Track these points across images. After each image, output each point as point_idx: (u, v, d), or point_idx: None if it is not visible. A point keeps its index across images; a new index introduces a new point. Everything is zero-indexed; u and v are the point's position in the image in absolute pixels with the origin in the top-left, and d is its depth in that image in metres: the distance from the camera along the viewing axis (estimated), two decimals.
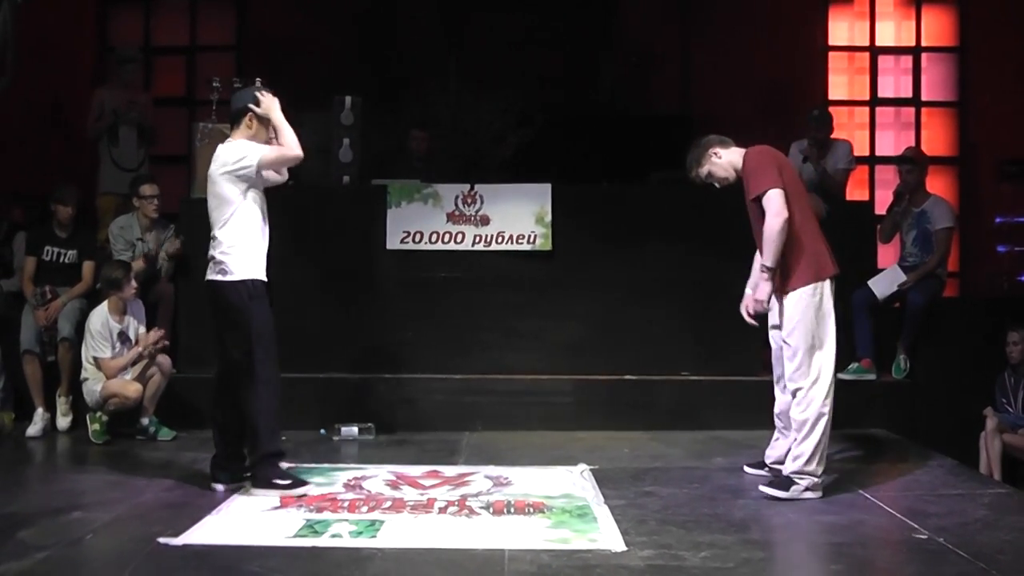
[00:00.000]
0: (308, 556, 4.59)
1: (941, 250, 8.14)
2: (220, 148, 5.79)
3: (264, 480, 5.69)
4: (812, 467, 5.64)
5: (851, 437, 7.31)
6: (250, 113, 5.82)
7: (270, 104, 5.83)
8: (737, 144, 5.99)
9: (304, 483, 5.75)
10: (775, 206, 5.61)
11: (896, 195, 8.40)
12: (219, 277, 5.69)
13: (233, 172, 5.67)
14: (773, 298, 5.84)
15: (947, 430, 7.51)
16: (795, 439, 5.72)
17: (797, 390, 5.71)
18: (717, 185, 6.02)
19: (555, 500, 5.56)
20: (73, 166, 9.77)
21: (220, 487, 5.79)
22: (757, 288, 5.80)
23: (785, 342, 5.78)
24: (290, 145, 5.76)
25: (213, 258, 5.73)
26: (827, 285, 5.74)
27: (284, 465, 5.92)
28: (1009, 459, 7.21)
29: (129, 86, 9.31)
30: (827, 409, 5.67)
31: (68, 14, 11.47)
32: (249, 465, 5.80)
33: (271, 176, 5.96)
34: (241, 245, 5.68)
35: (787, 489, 5.63)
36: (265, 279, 5.77)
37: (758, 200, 5.71)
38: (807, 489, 5.63)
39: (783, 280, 5.74)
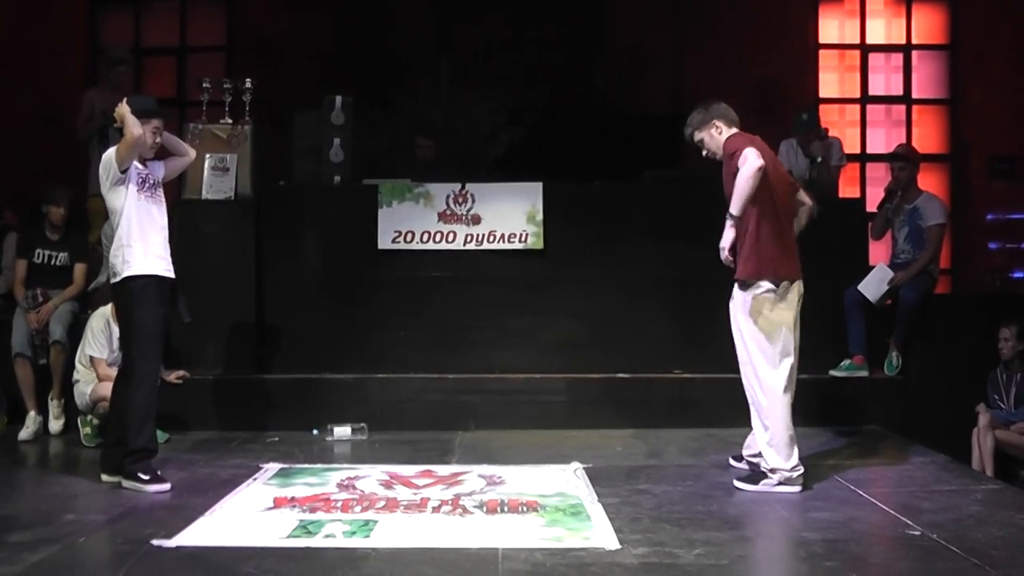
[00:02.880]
0: (302, 556, 4.58)
1: (933, 246, 8.14)
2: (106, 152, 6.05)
3: (130, 474, 5.86)
4: (780, 463, 5.75)
5: (844, 434, 7.33)
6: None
7: (120, 109, 6.02)
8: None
9: (163, 481, 5.85)
10: (751, 159, 5.67)
11: (888, 192, 8.40)
12: (113, 278, 6.00)
13: (109, 183, 5.94)
14: (735, 290, 5.98)
15: (940, 426, 7.51)
16: (760, 439, 5.87)
17: (748, 387, 5.90)
18: (704, 153, 6.13)
19: (549, 499, 5.56)
20: (65, 168, 9.75)
21: (105, 478, 6.02)
22: (725, 239, 5.83)
23: (736, 339, 5.95)
24: (128, 130, 5.88)
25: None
26: (785, 286, 5.86)
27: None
28: (1002, 455, 7.21)
29: (119, 88, 9.27)
30: (780, 406, 5.79)
31: (58, 17, 11.47)
32: (122, 457, 5.94)
33: (173, 168, 6.38)
34: (124, 247, 5.91)
35: (756, 483, 5.80)
36: (158, 275, 5.96)
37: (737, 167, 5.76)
38: (780, 483, 5.75)
39: (738, 270, 5.89)
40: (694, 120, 6.09)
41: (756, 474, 5.89)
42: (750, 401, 5.96)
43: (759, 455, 5.93)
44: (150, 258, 5.91)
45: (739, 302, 5.92)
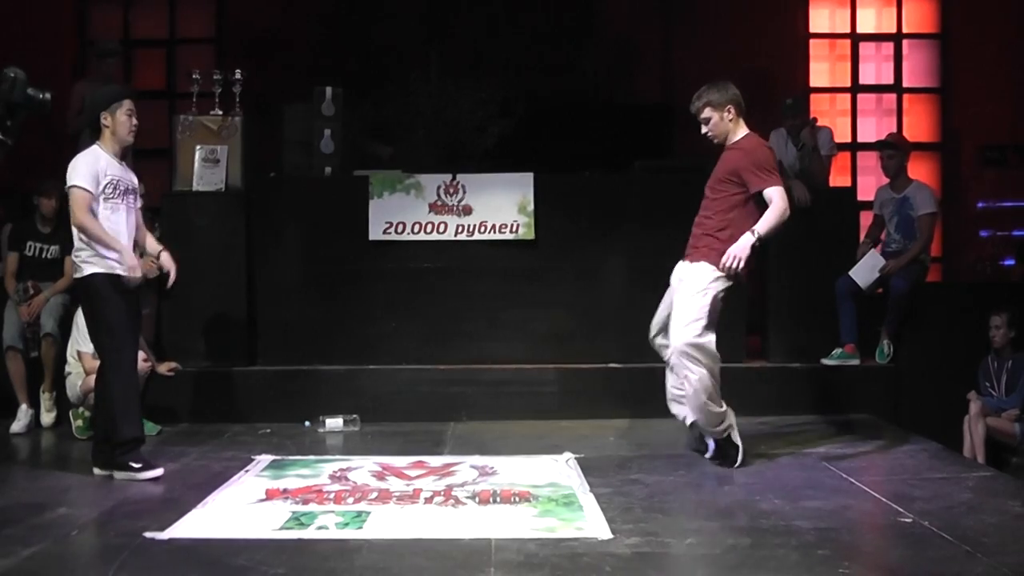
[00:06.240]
0: (295, 548, 4.58)
1: (924, 236, 8.16)
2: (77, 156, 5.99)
3: (121, 465, 5.87)
4: (724, 424, 6.05)
5: (835, 422, 7.35)
6: (104, 114, 5.98)
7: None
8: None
9: (155, 467, 5.89)
10: (784, 199, 5.90)
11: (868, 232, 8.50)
12: (76, 274, 5.98)
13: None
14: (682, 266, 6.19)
15: (931, 414, 7.54)
16: (696, 410, 6.07)
17: (681, 353, 5.96)
18: (703, 129, 6.18)
19: (541, 489, 5.57)
20: (54, 161, 9.71)
21: (96, 471, 6.01)
22: (742, 249, 5.88)
23: (678, 306, 6.04)
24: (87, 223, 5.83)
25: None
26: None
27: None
28: (992, 442, 7.24)
29: (109, 80, 9.24)
30: (707, 373, 5.95)
31: (47, 8, 11.42)
32: (111, 450, 5.96)
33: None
34: (84, 250, 5.89)
35: (735, 460, 6.04)
36: (118, 273, 5.88)
37: (759, 192, 5.92)
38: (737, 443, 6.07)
39: (703, 252, 6.04)
40: (712, 97, 6.10)
41: (725, 453, 6.10)
42: (680, 379, 6.07)
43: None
44: (110, 261, 5.87)
45: (704, 275, 5.99)
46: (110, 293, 5.85)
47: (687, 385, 5.98)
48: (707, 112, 6.12)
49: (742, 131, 6.14)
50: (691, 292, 5.99)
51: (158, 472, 5.86)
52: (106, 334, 5.92)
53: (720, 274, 5.95)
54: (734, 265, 5.85)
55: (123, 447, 5.86)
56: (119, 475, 5.86)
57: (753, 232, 5.85)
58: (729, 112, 6.09)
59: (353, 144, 9.00)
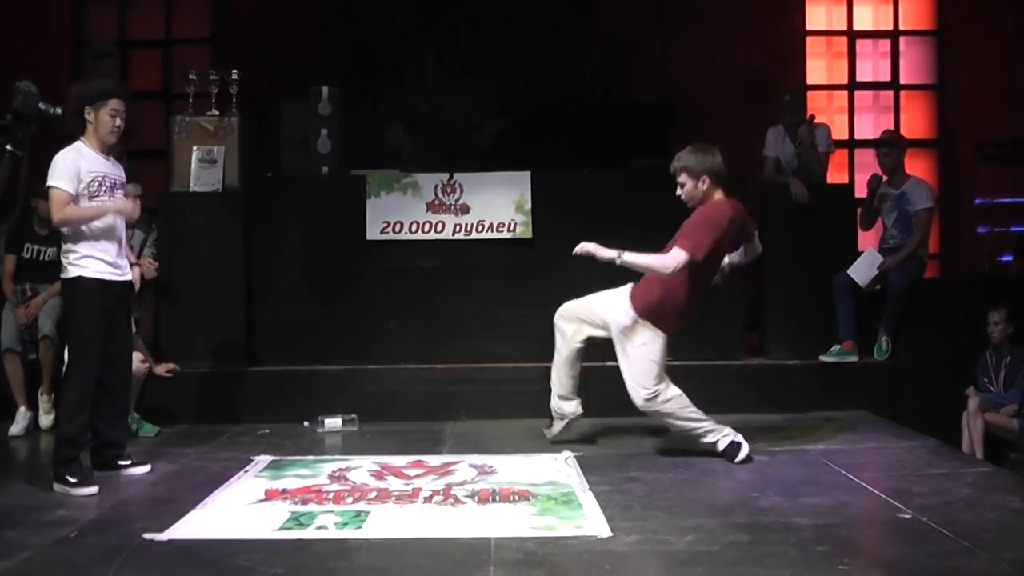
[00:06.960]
0: (294, 548, 4.58)
1: (922, 231, 8.16)
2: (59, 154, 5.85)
3: (58, 476, 5.68)
4: (712, 438, 6.16)
5: (834, 419, 7.36)
6: (88, 109, 5.87)
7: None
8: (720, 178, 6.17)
9: (91, 484, 5.66)
10: (678, 263, 5.89)
11: (869, 184, 8.43)
12: (63, 275, 5.89)
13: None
14: (629, 313, 6.23)
15: (929, 410, 7.54)
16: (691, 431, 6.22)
17: (644, 406, 6.17)
18: (678, 191, 6.21)
19: (540, 487, 5.56)
20: (51, 163, 9.71)
21: (94, 473, 5.94)
22: (600, 248, 6.05)
23: (629, 363, 6.21)
24: (66, 214, 5.74)
25: None
26: (664, 336, 6.18)
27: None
28: (991, 438, 7.25)
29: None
30: (674, 412, 6.18)
31: (44, 10, 11.41)
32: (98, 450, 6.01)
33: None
34: (72, 248, 5.80)
35: (736, 452, 6.11)
36: (105, 278, 5.81)
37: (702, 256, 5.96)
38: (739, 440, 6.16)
39: (644, 308, 6.17)
40: (690, 164, 6.09)
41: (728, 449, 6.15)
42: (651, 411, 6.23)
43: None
44: (97, 263, 5.79)
45: (639, 338, 6.16)
46: (93, 299, 5.76)
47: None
48: (683, 177, 6.14)
49: (714, 197, 6.14)
50: (638, 352, 6.15)
51: (93, 490, 5.62)
52: (77, 339, 5.85)
53: (655, 333, 6.11)
54: (579, 251, 6.09)
55: (65, 447, 5.71)
56: (57, 487, 5.65)
57: (619, 256, 5.97)
58: (704, 182, 6.09)
59: (376, 132, 8.99)
